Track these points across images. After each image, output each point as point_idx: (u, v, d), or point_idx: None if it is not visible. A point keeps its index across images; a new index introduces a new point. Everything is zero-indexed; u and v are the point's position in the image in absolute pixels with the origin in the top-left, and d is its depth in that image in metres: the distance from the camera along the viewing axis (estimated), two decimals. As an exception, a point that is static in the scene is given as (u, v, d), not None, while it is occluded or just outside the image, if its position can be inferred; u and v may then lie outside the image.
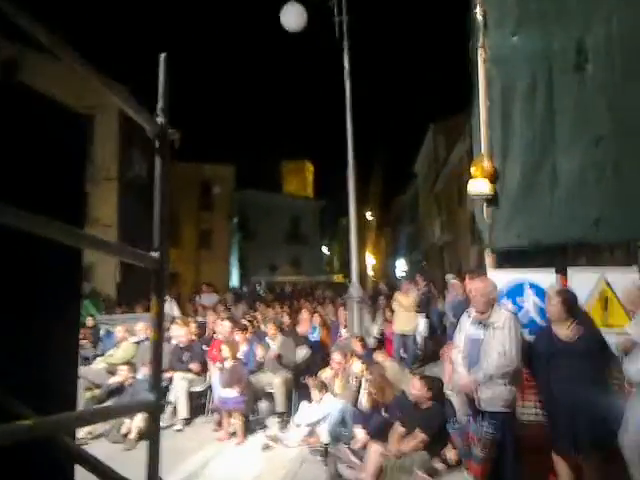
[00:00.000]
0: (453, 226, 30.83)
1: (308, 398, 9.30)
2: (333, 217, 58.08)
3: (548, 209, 5.43)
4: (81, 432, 7.61)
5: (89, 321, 13.56)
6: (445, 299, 16.26)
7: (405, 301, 11.85)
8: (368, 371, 7.56)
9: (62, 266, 2.17)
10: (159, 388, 2.29)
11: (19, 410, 1.62)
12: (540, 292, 5.40)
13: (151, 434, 2.26)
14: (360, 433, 6.63)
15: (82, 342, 12.77)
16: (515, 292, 5.54)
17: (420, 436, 5.97)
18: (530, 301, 5.51)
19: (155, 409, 2.24)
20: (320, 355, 11.08)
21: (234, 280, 40.03)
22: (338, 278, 48.38)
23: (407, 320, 11.82)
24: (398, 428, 6.23)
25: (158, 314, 2.28)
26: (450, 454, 5.96)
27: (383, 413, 6.86)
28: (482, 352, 4.98)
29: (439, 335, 14.94)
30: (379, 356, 8.70)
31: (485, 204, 5.74)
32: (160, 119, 2.37)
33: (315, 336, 11.36)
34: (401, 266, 50.16)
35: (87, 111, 26.21)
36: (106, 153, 26.64)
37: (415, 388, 6.21)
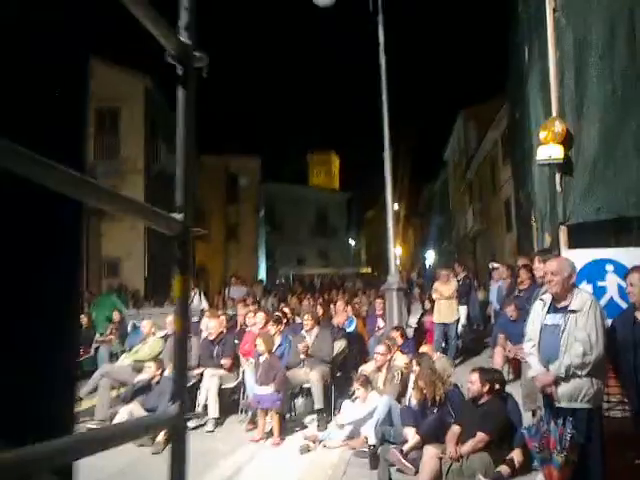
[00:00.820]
0: (486, 215, 29.94)
1: (347, 394, 8.70)
2: (359, 209, 57.54)
3: (634, 176, 4.69)
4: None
5: (115, 316, 13.13)
6: (485, 288, 15.56)
7: (446, 290, 11.15)
8: (416, 364, 6.88)
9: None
10: (183, 395, 1.66)
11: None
12: (623, 273, 4.67)
13: (175, 455, 1.64)
14: (411, 433, 5.96)
15: (109, 338, 12.35)
16: (594, 274, 4.81)
17: (481, 436, 5.28)
18: (612, 283, 4.78)
19: (178, 425, 1.61)
20: (357, 347, 10.48)
21: (262, 273, 39.58)
22: (365, 270, 47.96)
23: (448, 310, 11.12)
24: (455, 428, 5.55)
25: (183, 297, 1.64)
26: (517, 456, 5.27)
27: (435, 411, 6.18)
28: (562, 342, 4.29)
29: (479, 325, 14.30)
30: (425, 348, 8.01)
31: (558, 173, 5.00)
32: (184, 38, 1.70)
33: (352, 328, 10.76)
34: (430, 257, 49.36)
35: (112, 104, 25.98)
36: (132, 145, 26.29)
37: (473, 382, 5.50)
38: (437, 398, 6.18)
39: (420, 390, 6.33)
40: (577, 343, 4.21)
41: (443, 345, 11.21)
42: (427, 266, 44.88)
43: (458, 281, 11.98)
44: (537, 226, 9.89)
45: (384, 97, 10.71)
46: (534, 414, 5.80)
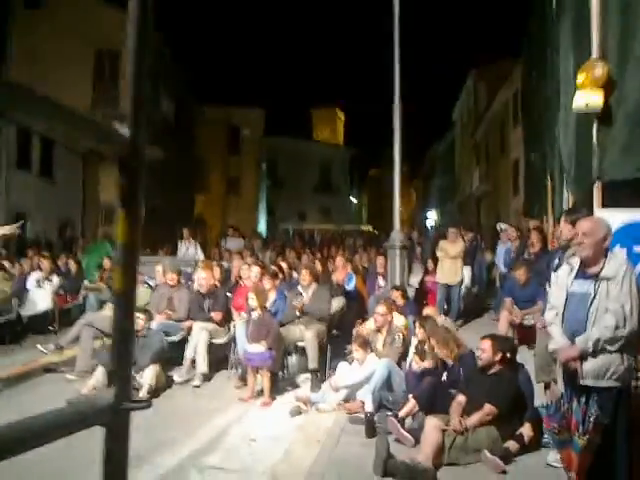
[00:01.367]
0: (494, 176, 29.34)
1: (343, 354, 8.27)
2: (362, 166, 56.72)
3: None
4: (85, 388, 6.69)
5: (106, 263, 12.64)
6: (492, 250, 15.05)
7: (452, 250, 10.66)
8: (419, 327, 6.42)
9: None
10: (125, 382, 1.18)
11: None
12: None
13: (110, 459, 1.18)
14: (409, 400, 5.53)
15: (98, 285, 11.91)
16: (630, 237, 4.26)
17: (489, 408, 4.83)
18: (651, 248, 4.24)
19: (114, 420, 1.15)
20: (356, 306, 10.04)
21: (262, 227, 39.10)
22: (366, 228, 47.55)
23: (453, 270, 10.66)
24: (460, 398, 5.10)
25: (128, 241, 1.15)
26: (527, 431, 4.83)
27: (444, 377, 5.73)
28: (590, 312, 3.78)
29: (483, 288, 13.85)
30: (429, 310, 7.54)
31: (596, 122, 4.40)
32: None
33: (351, 286, 10.29)
34: (432, 217, 48.89)
35: (113, 47, 25.02)
36: (132, 91, 25.31)
37: (484, 350, 5.02)
38: (448, 361, 5.74)
39: (431, 350, 5.87)
40: (608, 314, 3.70)
41: (445, 307, 10.79)
42: (429, 227, 44.47)
43: (465, 242, 11.48)
44: (553, 185, 9.36)
45: (396, 46, 10.02)
46: (547, 387, 5.36)
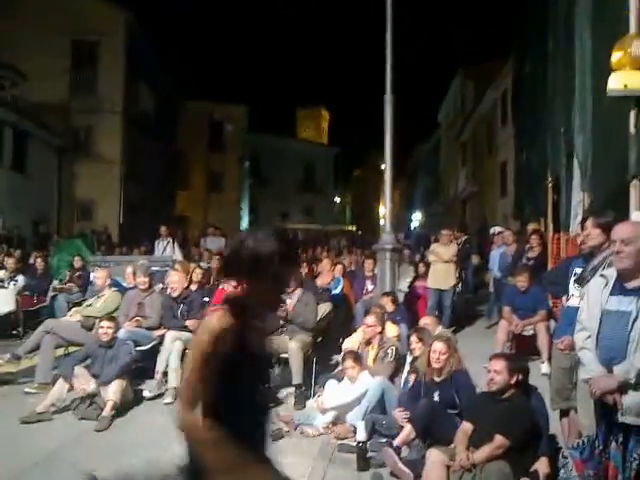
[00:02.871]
0: (480, 177, 28.90)
1: (329, 367, 7.65)
2: (346, 166, 56.30)
3: None
4: (41, 405, 5.96)
5: (77, 262, 11.91)
6: (480, 253, 14.52)
7: (445, 253, 10.06)
8: (416, 340, 5.79)
9: None
10: None
11: None
12: None
13: None
14: (406, 427, 4.89)
15: (68, 285, 11.18)
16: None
17: (500, 440, 4.18)
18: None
19: None
20: (343, 311, 9.42)
21: (244, 226, 38.38)
22: (350, 228, 47.19)
23: (446, 275, 10.06)
24: (466, 426, 4.46)
25: None
26: (542, 467, 4.21)
27: (436, 397, 5.09)
28: (632, 335, 3.16)
29: (470, 293, 13.35)
30: (427, 320, 6.90)
31: (633, 108, 3.77)
32: None
33: (338, 289, 9.67)
34: (417, 218, 48.46)
35: (92, 37, 24.17)
36: (111, 84, 24.61)
37: (498, 372, 4.36)
38: (442, 376, 5.09)
39: (429, 367, 5.19)
40: (654, 338, 3.10)
41: (436, 314, 10.19)
42: (412, 228, 44.04)
43: (458, 244, 10.90)
44: (554, 186, 8.81)
45: (388, 38, 9.39)
46: (563, 414, 4.74)
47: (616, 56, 3.75)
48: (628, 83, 3.68)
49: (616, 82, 3.74)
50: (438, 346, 5.06)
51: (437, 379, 5.12)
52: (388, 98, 9.52)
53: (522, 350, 7.34)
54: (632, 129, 3.82)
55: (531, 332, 7.64)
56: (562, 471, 4.12)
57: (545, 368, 6.70)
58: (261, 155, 42.79)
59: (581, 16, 5.39)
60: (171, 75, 30.95)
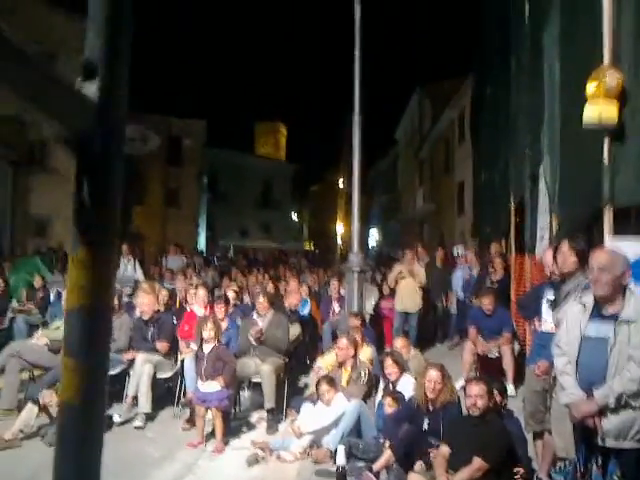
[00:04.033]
0: (437, 196, 29.29)
1: (299, 388, 7.66)
2: (303, 183, 56.32)
3: None
4: (9, 432, 5.78)
5: (37, 281, 11.60)
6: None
7: (411, 274, 10.16)
8: (392, 364, 5.85)
9: None
10: None
11: None
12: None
13: None
14: (386, 452, 4.93)
15: (27, 307, 10.88)
16: (645, 271, 3.79)
17: (478, 463, 4.26)
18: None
19: None
20: (310, 333, 9.45)
21: (201, 243, 37.95)
22: (308, 246, 47.08)
23: (412, 296, 10.16)
24: (443, 450, 4.54)
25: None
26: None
27: (425, 425, 5.11)
28: (611, 360, 3.30)
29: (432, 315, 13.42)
30: (400, 342, 6.98)
31: (606, 138, 3.93)
32: None
33: (305, 311, 9.67)
34: (374, 236, 48.67)
35: (48, 47, 23.69)
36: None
37: (480, 396, 4.45)
38: (435, 406, 5.12)
39: (421, 393, 5.20)
40: (632, 364, 3.24)
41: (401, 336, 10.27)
42: (370, 246, 44.25)
43: (425, 265, 11.04)
44: (517, 208, 8.99)
45: (357, 55, 9.50)
46: (537, 436, 4.86)
47: (591, 87, 3.90)
48: (603, 114, 3.84)
49: (590, 112, 3.89)
50: (433, 375, 5.08)
51: (430, 407, 5.15)
52: (356, 119, 9.61)
53: (487, 372, 7.45)
54: (605, 161, 3.99)
55: (496, 355, 7.74)
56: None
57: (511, 390, 6.82)
58: (219, 170, 42.36)
59: (549, 40, 5.56)
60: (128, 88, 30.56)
